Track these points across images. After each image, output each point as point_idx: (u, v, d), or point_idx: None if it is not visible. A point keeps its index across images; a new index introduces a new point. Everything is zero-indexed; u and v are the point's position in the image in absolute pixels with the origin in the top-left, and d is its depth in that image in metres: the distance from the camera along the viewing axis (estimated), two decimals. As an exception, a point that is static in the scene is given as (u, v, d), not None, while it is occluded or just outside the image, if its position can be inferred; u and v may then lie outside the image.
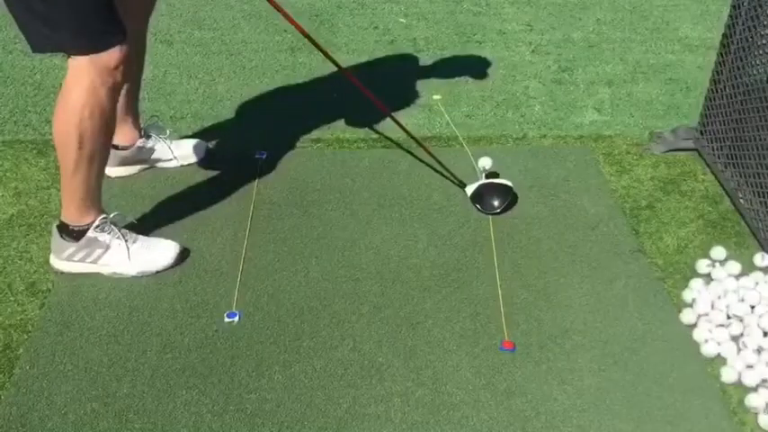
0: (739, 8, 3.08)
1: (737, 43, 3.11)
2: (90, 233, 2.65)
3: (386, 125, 3.55)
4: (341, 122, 3.61)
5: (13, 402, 2.29)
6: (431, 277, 2.78)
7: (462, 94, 3.86)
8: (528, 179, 3.27)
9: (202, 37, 4.33)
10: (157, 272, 2.73)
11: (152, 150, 3.17)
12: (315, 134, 3.53)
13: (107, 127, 2.51)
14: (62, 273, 2.71)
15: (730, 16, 3.15)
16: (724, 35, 3.20)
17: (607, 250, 2.93)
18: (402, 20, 4.56)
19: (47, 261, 2.75)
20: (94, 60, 2.37)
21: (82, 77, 2.39)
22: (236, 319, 2.58)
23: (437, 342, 2.54)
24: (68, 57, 2.40)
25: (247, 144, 3.43)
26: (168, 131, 3.26)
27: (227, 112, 3.70)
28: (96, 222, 2.65)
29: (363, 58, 4.16)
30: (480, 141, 3.51)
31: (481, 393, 2.39)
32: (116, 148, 3.05)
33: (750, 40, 3.04)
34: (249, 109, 3.74)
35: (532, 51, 4.30)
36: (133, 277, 2.70)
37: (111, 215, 2.71)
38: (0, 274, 2.72)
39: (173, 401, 2.32)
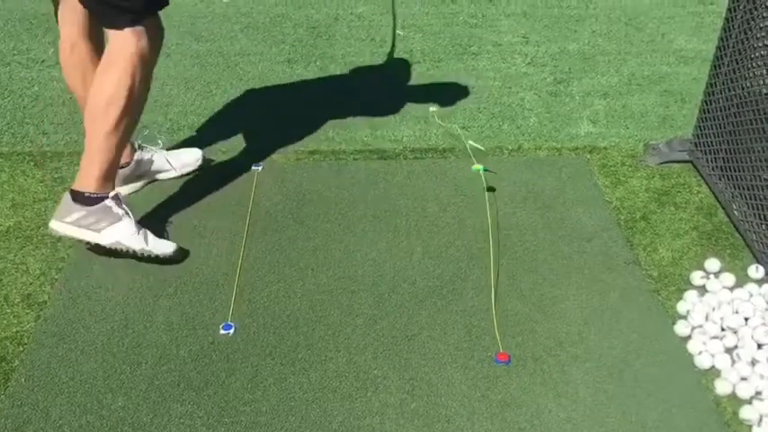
0: (732, 21, 3.09)
1: (731, 55, 3.12)
2: (107, 201, 2.69)
3: (381, 136, 3.58)
4: (337, 134, 3.62)
5: (8, 415, 2.29)
6: (426, 289, 2.79)
7: (458, 106, 3.88)
8: (523, 191, 3.28)
9: (200, 49, 4.35)
10: (158, 257, 2.77)
11: (150, 162, 3.19)
12: (311, 146, 3.54)
13: (146, 94, 2.69)
14: (61, 236, 2.75)
15: (723, 29, 3.17)
16: (718, 47, 3.21)
17: (602, 262, 2.94)
18: (399, 32, 4.58)
19: (43, 273, 2.77)
20: (141, 29, 2.54)
21: (129, 45, 2.53)
22: (232, 331, 2.59)
23: (432, 354, 2.55)
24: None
25: (244, 156, 3.45)
26: (161, 141, 3.30)
27: (224, 123, 3.71)
28: (113, 193, 2.72)
29: (360, 70, 4.17)
30: (476, 153, 3.52)
31: (476, 405, 2.39)
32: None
33: (743, 52, 3.06)
34: (246, 120, 3.75)
35: (528, 63, 4.31)
36: (134, 255, 2.76)
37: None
38: (-4, 286, 2.73)
39: (167, 414, 2.32)
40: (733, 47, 3.11)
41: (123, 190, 3.11)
